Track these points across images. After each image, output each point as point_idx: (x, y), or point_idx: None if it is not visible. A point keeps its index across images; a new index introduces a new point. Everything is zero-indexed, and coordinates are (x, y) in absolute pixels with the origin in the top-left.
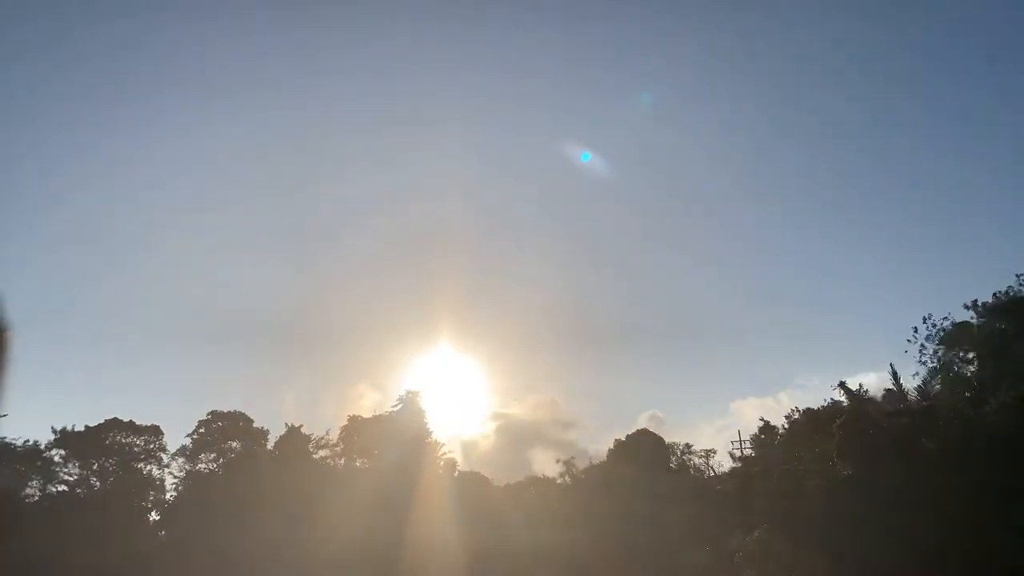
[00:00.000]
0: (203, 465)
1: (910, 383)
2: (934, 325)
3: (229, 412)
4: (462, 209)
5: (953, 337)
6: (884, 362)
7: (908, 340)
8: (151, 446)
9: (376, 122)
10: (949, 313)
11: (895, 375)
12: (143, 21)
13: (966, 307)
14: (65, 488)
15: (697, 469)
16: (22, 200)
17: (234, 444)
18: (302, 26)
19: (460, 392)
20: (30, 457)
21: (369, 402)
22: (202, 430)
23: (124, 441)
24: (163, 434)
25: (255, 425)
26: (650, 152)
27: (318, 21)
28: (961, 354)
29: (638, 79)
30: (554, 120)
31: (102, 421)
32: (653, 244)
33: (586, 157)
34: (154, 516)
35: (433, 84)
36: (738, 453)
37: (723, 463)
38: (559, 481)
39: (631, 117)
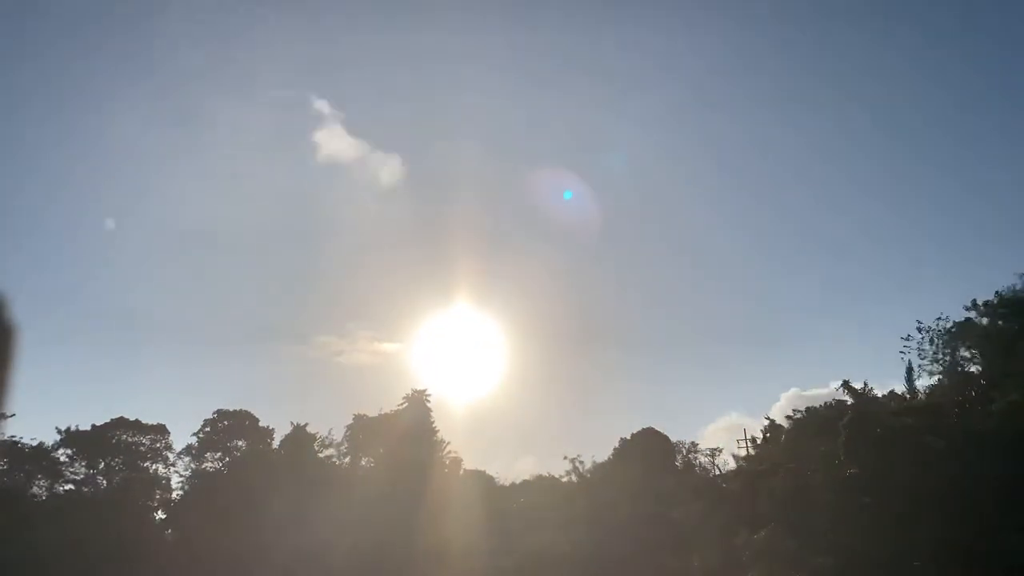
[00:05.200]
0: (209, 464)
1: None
2: (929, 329)
3: (235, 411)
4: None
5: (958, 336)
6: (882, 363)
7: (904, 340)
8: (157, 445)
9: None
10: (942, 312)
11: (909, 373)
12: (162, 14)
13: (967, 308)
14: (72, 487)
15: (703, 468)
16: (25, 200)
17: (240, 443)
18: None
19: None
20: (37, 456)
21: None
22: (208, 429)
23: (130, 440)
24: (169, 433)
25: (261, 424)
26: (658, 156)
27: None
28: (966, 353)
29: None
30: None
31: (108, 420)
32: (656, 245)
33: (568, 195)
34: (160, 515)
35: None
36: (743, 452)
37: (729, 462)
38: (564, 480)
39: (644, 119)
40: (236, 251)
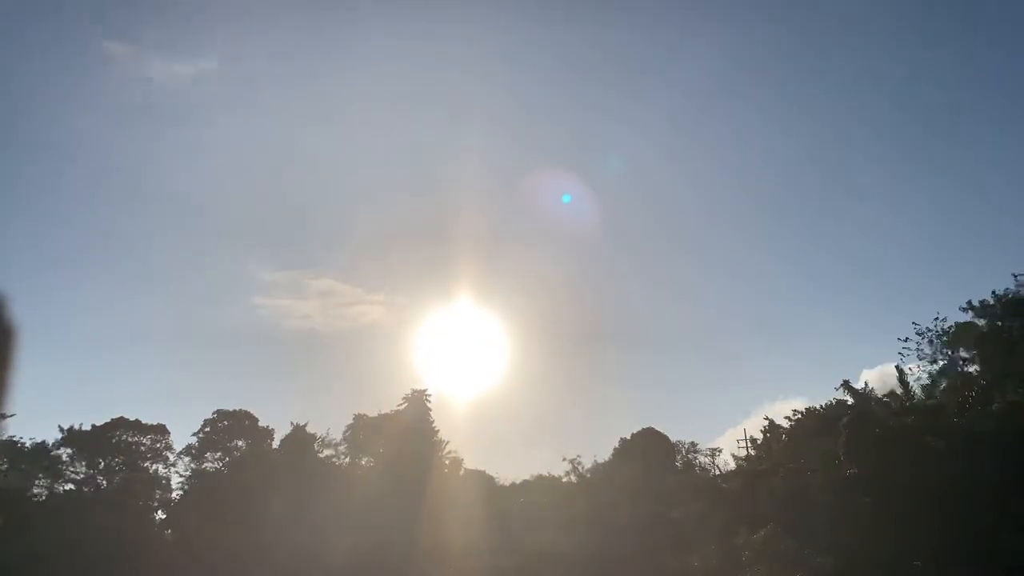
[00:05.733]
0: (209, 464)
1: (913, 384)
2: (927, 330)
3: (235, 411)
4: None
5: (956, 337)
6: (879, 364)
7: (902, 342)
8: (157, 445)
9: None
10: (939, 312)
11: (901, 373)
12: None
13: (963, 309)
14: (72, 487)
15: (703, 468)
16: (27, 199)
17: (240, 443)
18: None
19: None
20: (37, 456)
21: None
22: (208, 429)
23: (131, 440)
24: (169, 433)
25: (261, 424)
26: (661, 161)
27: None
28: (965, 353)
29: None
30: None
31: (109, 420)
32: (657, 246)
33: (567, 199)
34: (160, 515)
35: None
36: (743, 452)
37: (729, 462)
38: (564, 479)
39: (649, 125)
40: (236, 242)
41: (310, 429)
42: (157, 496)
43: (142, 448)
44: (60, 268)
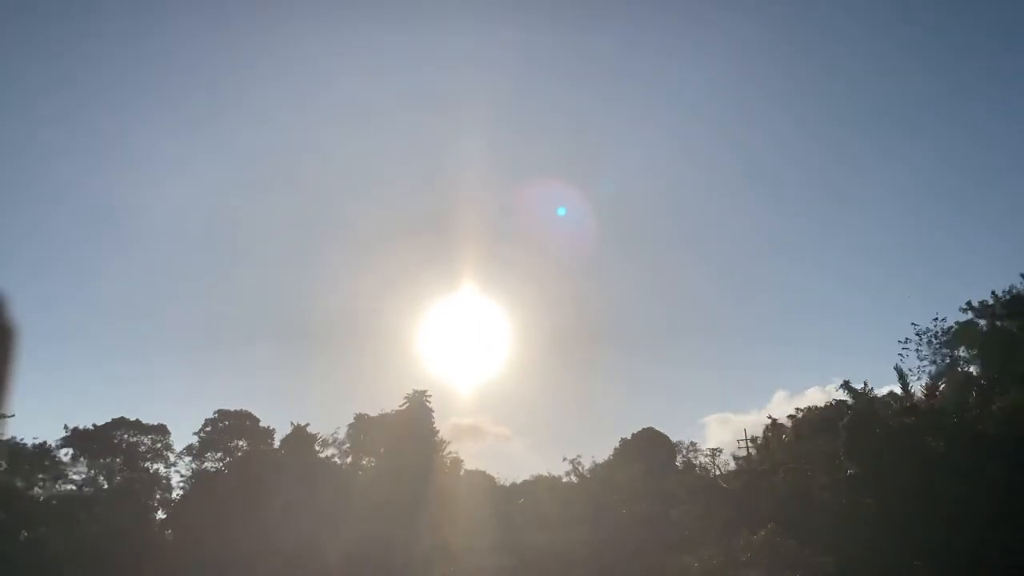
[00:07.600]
0: (210, 464)
1: (913, 384)
2: (927, 330)
3: (236, 411)
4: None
5: (957, 337)
6: (879, 365)
7: (901, 343)
8: (158, 445)
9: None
10: (937, 313)
11: (901, 374)
12: (147, 17)
13: (963, 309)
14: (73, 487)
15: (703, 468)
16: (27, 197)
17: (240, 443)
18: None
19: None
20: (38, 456)
21: None
22: (209, 429)
23: (131, 440)
24: (170, 433)
25: (261, 424)
26: (656, 163)
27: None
28: (965, 353)
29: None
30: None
31: (109, 420)
32: (654, 245)
33: (562, 211)
34: (161, 515)
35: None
36: (743, 452)
37: (729, 462)
38: (565, 480)
39: (641, 132)
40: (239, 246)
41: (311, 429)
42: (157, 496)
43: (142, 448)
44: (64, 265)
